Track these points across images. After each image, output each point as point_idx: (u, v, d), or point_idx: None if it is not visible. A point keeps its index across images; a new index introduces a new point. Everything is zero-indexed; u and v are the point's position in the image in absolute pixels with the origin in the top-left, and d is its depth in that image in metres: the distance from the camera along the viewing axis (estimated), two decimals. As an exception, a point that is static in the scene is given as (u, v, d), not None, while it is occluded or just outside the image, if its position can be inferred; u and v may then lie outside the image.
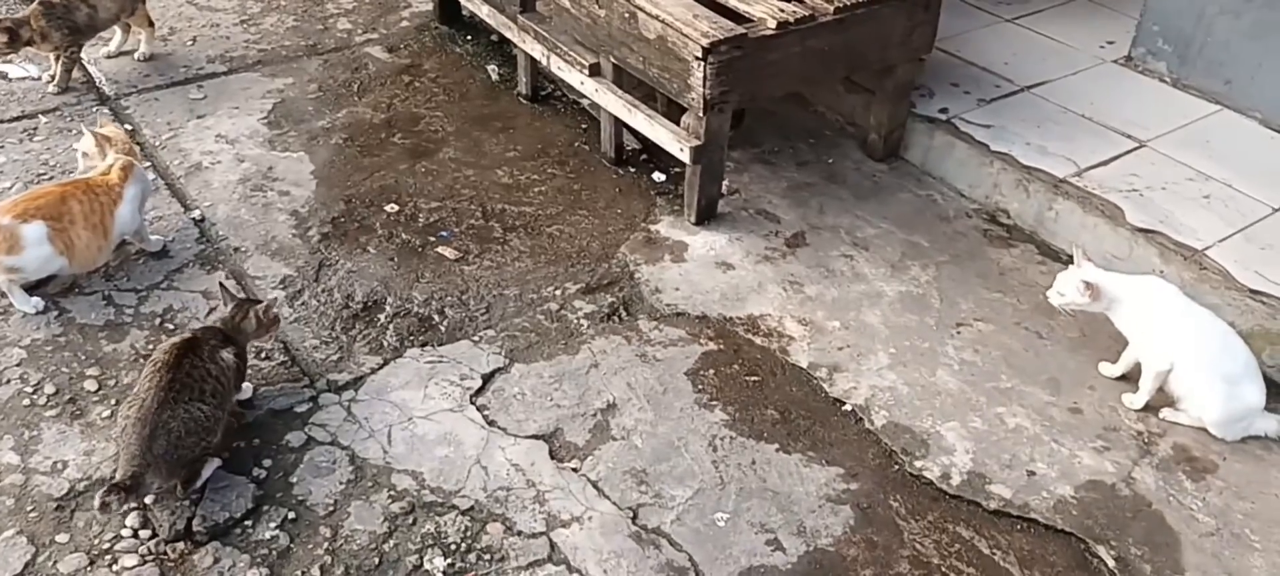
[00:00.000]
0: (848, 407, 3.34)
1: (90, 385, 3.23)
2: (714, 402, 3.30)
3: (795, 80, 4.23)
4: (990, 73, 4.84)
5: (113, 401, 3.15)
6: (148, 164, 4.11)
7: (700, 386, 3.36)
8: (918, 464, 3.15)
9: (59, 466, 2.97)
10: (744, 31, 3.79)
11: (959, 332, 3.63)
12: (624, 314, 3.65)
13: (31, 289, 3.46)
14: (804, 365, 3.48)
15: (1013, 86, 4.76)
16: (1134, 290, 3.33)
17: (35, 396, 3.18)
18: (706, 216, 4.12)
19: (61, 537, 2.78)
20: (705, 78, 3.74)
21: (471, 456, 3.08)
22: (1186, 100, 4.68)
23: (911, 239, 4.08)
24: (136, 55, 4.85)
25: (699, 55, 3.71)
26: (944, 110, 4.54)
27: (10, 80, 4.68)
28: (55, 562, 2.72)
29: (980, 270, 3.93)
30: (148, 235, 3.72)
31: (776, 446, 3.18)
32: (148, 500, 2.84)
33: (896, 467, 3.14)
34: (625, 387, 3.35)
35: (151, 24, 4.86)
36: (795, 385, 3.41)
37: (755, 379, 3.42)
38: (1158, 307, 3.28)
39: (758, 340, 3.58)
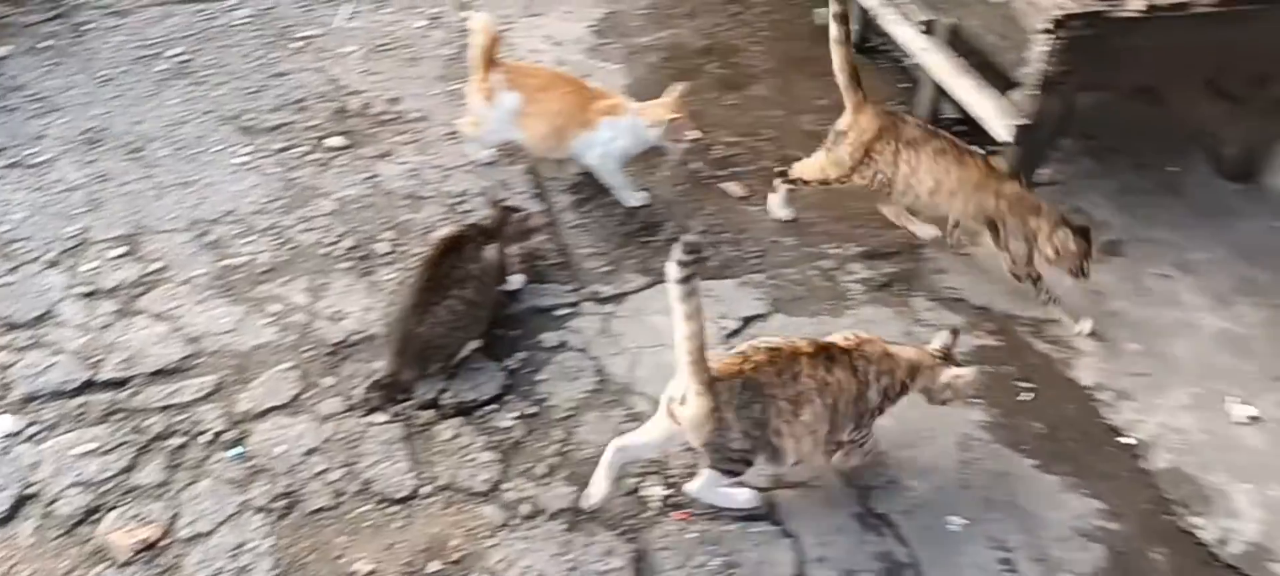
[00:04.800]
0: (1128, 441, 3.01)
1: (383, 247, 3.47)
2: (976, 400, 3.07)
3: (1151, 74, 3.80)
4: (1393, 102, 4.15)
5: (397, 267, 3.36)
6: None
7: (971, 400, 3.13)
8: (1194, 519, 2.80)
9: (339, 316, 3.21)
10: (1104, 9, 3.43)
11: (1282, 387, 3.19)
12: (900, 287, 3.47)
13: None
14: (1087, 383, 3.17)
15: None
16: None
17: (334, 248, 3.46)
18: (1015, 201, 3.82)
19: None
20: (1049, 52, 3.42)
21: (712, 396, 3.04)
22: None
23: (1249, 273, 3.60)
24: None
25: (1046, 27, 3.40)
26: (1323, 135, 3.95)
27: None
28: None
29: (1325, 323, 3.42)
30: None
31: (1035, 463, 2.92)
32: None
33: (1168, 518, 2.81)
34: (884, 363, 3.18)
35: None
36: (1072, 403, 3.12)
37: (1028, 386, 3.15)
38: None
39: (1040, 345, 3.29)
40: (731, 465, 2.59)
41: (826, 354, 2.60)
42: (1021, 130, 3.61)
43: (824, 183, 3.59)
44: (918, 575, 2.63)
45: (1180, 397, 3.14)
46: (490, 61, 3.57)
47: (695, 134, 3.72)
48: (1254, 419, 3.09)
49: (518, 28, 4.60)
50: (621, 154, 3.60)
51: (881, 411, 2.70)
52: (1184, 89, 4.27)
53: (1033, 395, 3.13)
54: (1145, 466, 2.94)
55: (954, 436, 2.97)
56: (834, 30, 3.41)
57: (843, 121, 3.53)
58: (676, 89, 3.59)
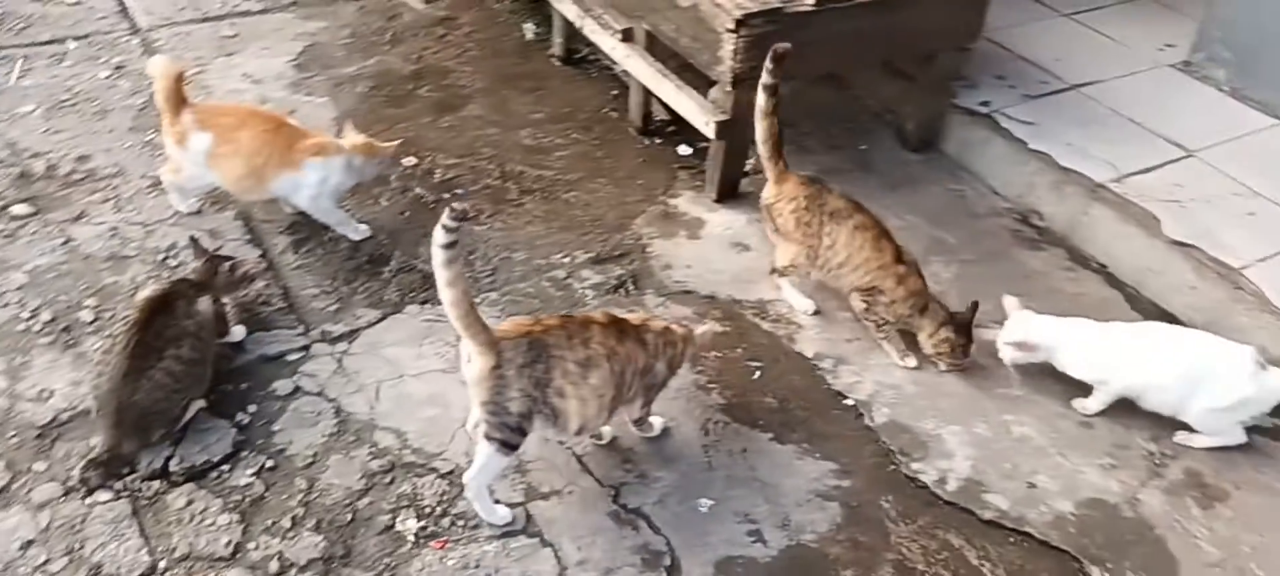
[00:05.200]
0: (849, 402, 3.23)
1: (87, 315, 3.24)
2: (712, 385, 3.22)
3: (831, 61, 4.11)
4: (1038, 68, 4.67)
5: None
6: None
7: (699, 368, 3.27)
8: (914, 465, 3.04)
9: (45, 394, 2.97)
10: (780, 5, 3.67)
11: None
12: (631, 287, 3.57)
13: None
14: (809, 355, 3.38)
15: (1061, 84, 4.59)
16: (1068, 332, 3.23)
17: (31, 323, 3.19)
18: (727, 194, 4.02)
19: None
20: (736, 50, 3.63)
21: (458, 419, 3.01)
22: (1244, 112, 4.48)
23: (937, 234, 3.94)
24: None
25: (731, 27, 3.60)
26: (985, 103, 4.39)
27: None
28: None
29: (1005, 272, 3.79)
30: None
31: (771, 436, 3.09)
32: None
33: (892, 468, 3.04)
34: (623, 362, 3.27)
35: None
36: (798, 374, 3.31)
37: (757, 364, 3.32)
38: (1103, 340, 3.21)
39: (765, 325, 3.48)
40: (508, 433, 2.61)
41: (618, 326, 2.75)
42: (721, 126, 3.81)
43: (807, 266, 3.44)
44: (673, 560, 2.72)
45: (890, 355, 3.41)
46: (179, 102, 3.39)
47: (411, 160, 3.68)
48: (955, 365, 3.39)
49: (213, 68, 4.40)
50: (334, 193, 3.51)
51: (665, 385, 2.91)
52: (864, 72, 4.65)
53: (762, 372, 3.30)
54: (868, 423, 3.17)
55: (695, 423, 3.09)
56: (762, 99, 3.33)
57: (767, 194, 3.48)
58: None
